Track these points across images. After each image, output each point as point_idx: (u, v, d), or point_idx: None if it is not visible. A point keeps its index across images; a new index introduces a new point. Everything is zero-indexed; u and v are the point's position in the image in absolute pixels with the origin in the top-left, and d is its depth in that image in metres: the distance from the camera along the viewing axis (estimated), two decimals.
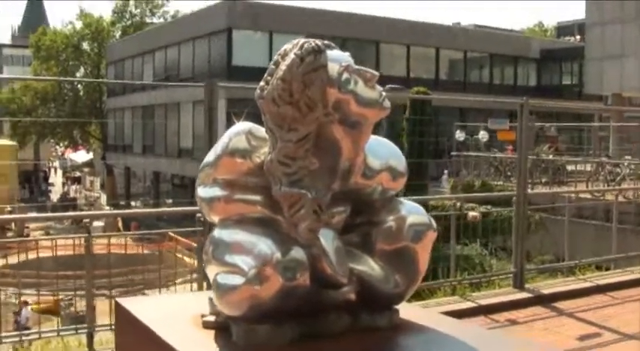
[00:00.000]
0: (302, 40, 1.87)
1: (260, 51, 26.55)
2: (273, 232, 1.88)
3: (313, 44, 1.84)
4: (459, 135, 22.38)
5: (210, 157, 2.07)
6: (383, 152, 2.09)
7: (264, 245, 1.83)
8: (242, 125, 2.06)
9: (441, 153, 21.37)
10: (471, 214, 7.06)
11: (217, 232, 1.99)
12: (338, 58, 1.87)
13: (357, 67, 1.87)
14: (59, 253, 6.59)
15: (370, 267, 2.01)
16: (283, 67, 1.82)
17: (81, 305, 10.89)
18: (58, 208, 33.57)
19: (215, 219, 2.07)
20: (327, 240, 1.92)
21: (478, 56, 35.37)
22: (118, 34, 49.41)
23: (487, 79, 35.68)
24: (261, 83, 1.88)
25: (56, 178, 56.42)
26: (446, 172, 21.56)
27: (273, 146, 1.86)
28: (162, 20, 48.01)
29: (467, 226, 7.24)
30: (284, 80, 1.81)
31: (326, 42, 1.89)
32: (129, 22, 49.69)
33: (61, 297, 12.34)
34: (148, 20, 49.45)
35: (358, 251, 2.03)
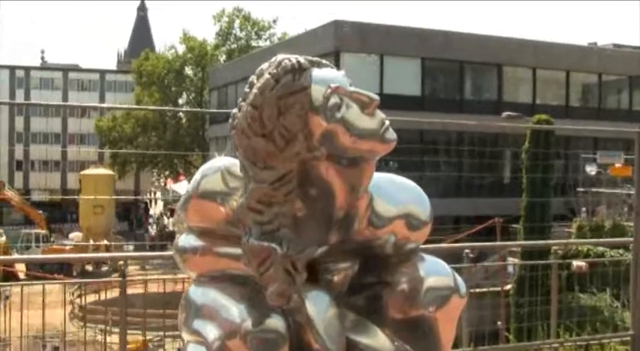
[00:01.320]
0: (281, 57, 1.66)
1: (370, 75, 26.76)
2: (253, 294, 1.67)
3: (293, 61, 1.62)
4: (590, 168, 21.55)
5: (182, 197, 1.90)
6: (398, 194, 1.85)
7: (236, 311, 1.66)
8: (218, 161, 1.87)
9: (569, 189, 20.65)
10: (576, 263, 6.70)
11: (190, 292, 1.82)
12: (325, 79, 1.62)
13: (351, 89, 1.64)
14: (150, 290, 6.82)
15: (377, 340, 1.77)
16: (255, 89, 1.60)
17: (172, 347, 11.22)
18: (156, 242, 34.76)
19: (191, 275, 1.88)
20: (317, 306, 1.69)
21: (615, 79, 34.13)
22: (222, 58, 51.16)
23: (626, 105, 34.31)
24: (234, 111, 1.64)
25: (156, 210, 58.56)
26: (584, 209, 20.78)
27: (246, 187, 1.63)
28: (268, 43, 49.38)
29: (594, 273, 6.92)
30: (255, 106, 1.58)
31: (314, 59, 1.68)
32: (233, 46, 51.42)
33: (149, 337, 12.67)
34: (253, 43, 50.98)
35: (365, 318, 1.80)
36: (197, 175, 1.86)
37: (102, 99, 65.95)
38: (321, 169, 1.62)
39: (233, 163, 1.75)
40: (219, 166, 1.82)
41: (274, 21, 53.49)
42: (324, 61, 1.69)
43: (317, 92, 1.60)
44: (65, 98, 65.08)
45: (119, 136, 49.91)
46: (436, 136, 27.61)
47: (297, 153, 1.58)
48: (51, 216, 49.23)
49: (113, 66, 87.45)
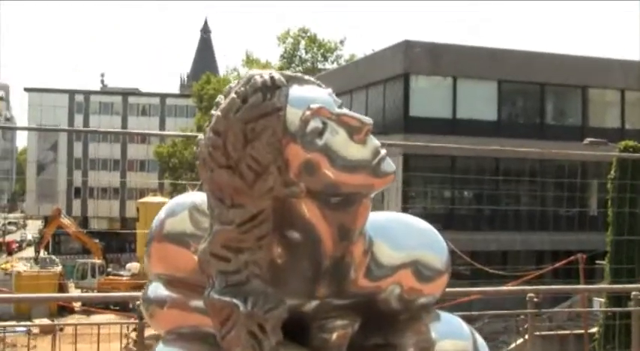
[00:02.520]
0: (252, 72, 1.44)
1: (442, 99, 26.65)
2: None
3: (265, 77, 1.40)
4: None
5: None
6: (406, 238, 1.63)
7: None
8: (187, 196, 1.69)
9: None
10: None
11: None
12: (305, 98, 1.41)
13: (338, 111, 1.42)
14: None
15: None
16: (218, 112, 1.39)
17: None
18: None
19: (159, 331, 1.70)
20: None
21: None
22: None
23: None
24: (199, 136, 1.44)
25: None
26: None
27: (210, 229, 1.43)
28: (335, 65, 49.77)
29: None
30: (217, 132, 1.37)
31: (295, 74, 1.48)
32: (299, 68, 52.03)
33: None
34: (319, 65, 51.48)
35: None
36: (161, 214, 1.66)
37: (162, 124, 67.41)
38: (302, 208, 1.41)
39: (205, 199, 1.49)
40: (188, 203, 1.63)
41: (341, 42, 54.00)
42: (307, 77, 1.48)
43: (293, 115, 1.38)
44: (125, 123, 66.82)
45: (179, 162, 50.87)
46: (514, 165, 27.21)
47: (269, 189, 1.37)
48: (109, 245, 50.37)
49: (176, 90, 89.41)
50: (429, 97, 27.15)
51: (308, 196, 1.39)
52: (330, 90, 1.47)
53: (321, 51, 52.91)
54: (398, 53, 27.45)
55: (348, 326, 1.55)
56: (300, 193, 1.38)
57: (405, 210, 24.80)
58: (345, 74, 34.37)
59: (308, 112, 1.38)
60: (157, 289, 1.65)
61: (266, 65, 52.08)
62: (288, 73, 1.45)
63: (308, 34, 53.10)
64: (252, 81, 1.39)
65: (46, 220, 50.03)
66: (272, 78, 1.40)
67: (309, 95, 1.42)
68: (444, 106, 26.44)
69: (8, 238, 59.30)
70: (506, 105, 28.56)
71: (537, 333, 6.88)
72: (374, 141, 1.43)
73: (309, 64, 52.53)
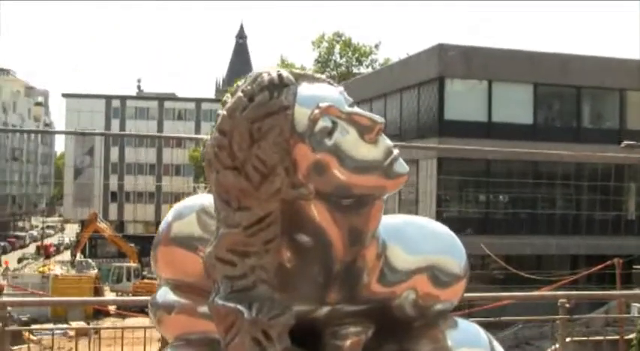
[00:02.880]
0: (259, 71, 1.41)
1: (477, 103, 26.49)
2: None
3: (273, 75, 1.37)
4: None
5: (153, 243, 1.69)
6: (422, 241, 1.58)
7: None
8: (196, 198, 1.66)
9: None
10: None
11: None
12: (314, 96, 1.37)
13: (349, 109, 1.38)
14: None
15: None
16: (224, 111, 1.36)
17: None
18: None
19: (167, 336, 1.67)
20: None
21: None
22: None
23: None
24: (205, 137, 1.44)
25: None
26: None
27: (217, 232, 1.39)
28: (370, 69, 49.73)
29: None
30: (222, 132, 1.34)
31: (305, 72, 1.45)
32: (333, 72, 52.02)
33: None
34: (354, 70, 51.46)
35: None
36: (168, 216, 1.63)
37: (198, 128, 67.94)
38: (311, 210, 1.36)
39: (210, 200, 1.46)
40: (196, 205, 1.60)
41: (376, 46, 53.87)
42: (317, 75, 1.45)
43: (302, 114, 1.34)
44: (160, 128, 67.48)
45: None
46: (550, 168, 26.95)
47: (277, 191, 1.33)
48: (144, 249, 50.76)
49: (211, 94, 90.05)
50: (464, 100, 27.00)
51: (317, 199, 1.35)
52: (341, 88, 1.43)
53: (356, 55, 52.80)
54: (432, 57, 27.37)
55: (361, 333, 1.51)
56: (309, 195, 1.34)
57: (439, 214, 24.70)
58: (380, 78, 34.32)
59: (317, 111, 1.33)
60: (165, 294, 1.62)
61: (301, 70, 52.06)
62: (298, 71, 1.42)
63: (343, 38, 53.05)
64: (260, 79, 1.36)
65: (83, 224, 50.65)
66: (280, 76, 1.36)
67: (319, 93, 1.38)
68: (479, 109, 26.28)
69: (46, 241, 60.13)
70: (542, 108, 28.29)
71: (569, 339, 6.79)
72: (386, 141, 1.38)
73: (343, 68, 52.49)
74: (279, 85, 1.35)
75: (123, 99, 71.24)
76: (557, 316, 6.30)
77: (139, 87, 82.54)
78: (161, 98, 72.44)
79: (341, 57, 52.80)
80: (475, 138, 22.89)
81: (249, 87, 1.35)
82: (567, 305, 5.97)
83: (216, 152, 1.34)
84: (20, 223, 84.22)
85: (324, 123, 1.33)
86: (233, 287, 1.35)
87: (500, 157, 24.10)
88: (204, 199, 1.57)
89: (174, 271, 1.60)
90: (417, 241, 1.57)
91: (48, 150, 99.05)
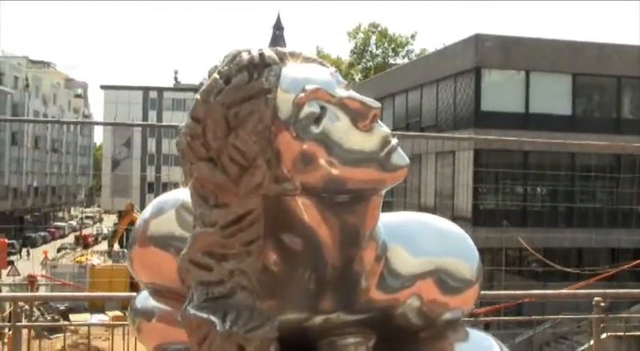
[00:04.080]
0: (238, 50, 1.24)
1: (514, 94, 26.22)
2: None
3: (253, 54, 1.20)
4: None
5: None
6: (429, 242, 1.40)
7: None
8: (175, 193, 1.50)
9: None
10: None
11: None
12: (299, 78, 1.21)
13: (340, 93, 1.22)
14: None
15: None
16: (197, 95, 1.22)
17: None
18: None
19: (147, 346, 1.52)
20: None
21: None
22: (357, 76, 51.77)
23: None
24: (181, 124, 1.26)
25: None
26: None
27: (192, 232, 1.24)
28: (406, 60, 49.55)
29: None
30: (196, 118, 1.19)
31: (292, 51, 1.27)
32: (369, 63, 51.88)
33: None
34: (390, 61, 51.29)
35: None
36: (145, 213, 1.48)
37: None
38: (298, 208, 1.21)
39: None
40: (176, 200, 1.44)
41: (412, 36, 53.65)
42: (307, 54, 1.28)
43: (285, 98, 1.18)
44: None
45: None
46: (590, 160, 26.60)
47: (257, 185, 1.17)
48: None
49: None
50: (501, 91, 26.72)
51: (305, 195, 1.20)
52: (333, 69, 1.27)
53: (392, 46, 52.67)
54: (469, 47, 27.14)
55: (361, 344, 1.36)
56: (295, 191, 1.19)
57: (475, 206, 24.53)
58: (416, 69, 34.17)
59: (302, 95, 1.18)
60: (145, 299, 1.48)
61: (337, 61, 52.12)
62: (283, 49, 1.25)
63: (379, 28, 52.93)
64: (238, 58, 1.20)
65: (120, 215, 51.18)
66: (261, 55, 1.20)
67: (306, 75, 1.21)
68: (516, 100, 26.01)
69: (85, 231, 60.87)
70: (581, 99, 27.91)
71: (604, 335, 6.66)
72: (383, 128, 1.23)
73: (379, 59, 52.39)
74: (259, 65, 1.19)
75: (160, 90, 71.79)
76: (590, 316, 6.17)
77: (175, 78, 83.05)
78: (197, 90, 72.70)
79: (377, 48, 52.74)
80: (512, 129, 22.69)
81: (226, 67, 1.20)
82: (602, 304, 5.84)
83: (189, 142, 1.20)
84: (60, 214, 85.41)
85: (310, 108, 1.18)
86: (208, 294, 1.19)
87: (537, 149, 23.81)
88: (183, 193, 1.37)
89: (152, 275, 1.45)
90: (423, 241, 1.40)
91: (87, 141, 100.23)
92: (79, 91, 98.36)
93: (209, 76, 1.22)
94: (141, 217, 1.48)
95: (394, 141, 1.23)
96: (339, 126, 1.19)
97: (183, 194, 1.40)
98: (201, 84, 1.24)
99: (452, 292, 1.39)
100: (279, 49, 1.24)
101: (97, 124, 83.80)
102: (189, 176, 1.22)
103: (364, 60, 52.73)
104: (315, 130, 1.17)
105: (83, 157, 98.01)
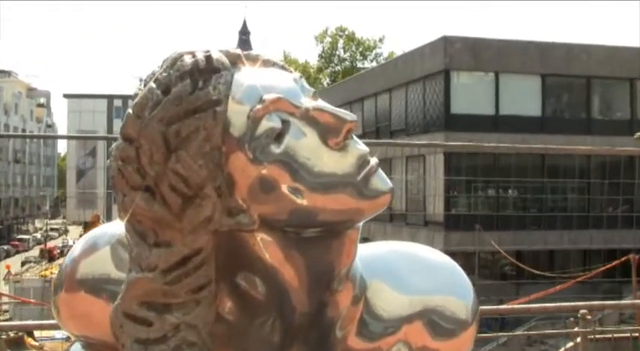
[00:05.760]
0: (179, 52, 1.02)
1: (484, 95, 26.34)
2: None
3: (198, 57, 1.00)
4: None
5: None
6: (416, 278, 1.19)
7: None
8: (109, 227, 1.25)
9: None
10: None
11: None
12: (257, 86, 1.01)
13: (307, 103, 1.02)
14: None
15: None
16: (129, 109, 1.00)
17: None
18: None
19: None
20: None
21: None
22: (325, 81, 51.84)
23: None
24: (112, 146, 1.03)
25: None
26: None
27: (127, 276, 1.04)
28: (374, 64, 49.71)
29: None
30: (128, 138, 0.98)
31: (248, 53, 1.08)
32: (337, 68, 51.96)
33: None
34: (359, 64, 51.43)
35: None
36: (74, 250, 1.23)
37: None
38: (257, 246, 1.01)
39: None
40: (111, 235, 1.20)
41: (380, 40, 53.83)
42: (265, 57, 1.08)
43: (239, 110, 0.98)
44: None
45: None
46: (561, 161, 26.76)
47: (206, 219, 0.98)
48: None
49: None
50: (471, 93, 26.88)
51: (265, 229, 1.01)
52: (297, 74, 1.07)
53: (360, 49, 52.86)
54: (437, 49, 27.25)
55: None
56: (252, 225, 0.99)
57: (447, 209, 24.55)
58: (385, 72, 34.19)
59: (259, 106, 0.98)
60: None
61: (305, 65, 52.13)
62: (235, 51, 1.05)
63: (346, 32, 53.04)
64: (179, 63, 0.99)
65: (86, 226, 50.70)
66: (208, 58, 1.00)
67: (263, 82, 1.01)
68: (486, 102, 26.11)
69: (50, 244, 60.18)
70: (551, 100, 28.11)
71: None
72: (359, 146, 1.02)
73: (347, 63, 52.52)
74: (206, 71, 0.98)
75: (125, 98, 71.19)
76: (578, 329, 6.09)
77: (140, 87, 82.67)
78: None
79: (345, 51, 52.85)
80: (482, 131, 22.77)
81: (164, 74, 0.99)
82: (589, 317, 5.78)
83: (120, 167, 0.99)
84: (24, 226, 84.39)
85: (270, 123, 0.98)
86: None
87: (508, 151, 23.91)
88: (119, 228, 1.12)
89: (83, 327, 1.19)
90: (408, 276, 1.19)
91: (51, 151, 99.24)
92: (42, 100, 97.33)
93: (144, 84, 1.01)
94: (69, 255, 1.23)
95: (373, 161, 1.02)
96: (305, 144, 0.99)
97: (120, 228, 1.13)
98: (136, 95, 1.01)
99: (445, 336, 1.18)
100: (231, 50, 1.04)
101: (61, 138, 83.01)
102: (123, 210, 1.01)
103: (332, 64, 52.89)
104: (275, 149, 0.98)
105: (47, 168, 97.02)
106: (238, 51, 1.05)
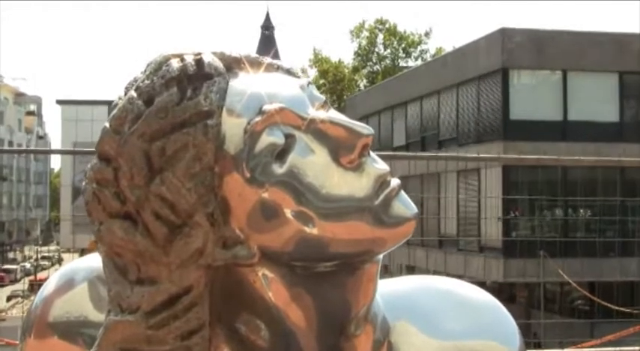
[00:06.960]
0: (164, 55, 1.00)
1: (550, 97, 26.22)
2: None
3: (187, 61, 0.97)
4: None
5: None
6: (448, 318, 1.17)
7: None
8: (86, 260, 1.23)
9: None
10: None
11: None
12: (256, 95, 0.98)
13: (318, 114, 1.00)
14: None
15: None
16: (106, 122, 0.98)
17: None
18: None
19: None
20: None
21: None
22: (362, 82, 51.84)
23: None
24: (88, 165, 1.01)
25: None
26: None
27: (105, 321, 1.00)
28: (419, 62, 49.67)
29: None
30: (105, 157, 0.97)
31: (247, 55, 1.05)
32: (376, 67, 51.99)
33: None
34: (401, 63, 51.43)
35: None
36: (45, 288, 1.21)
37: None
38: (257, 283, 1.00)
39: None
40: (89, 270, 1.18)
41: (426, 34, 53.83)
42: (267, 60, 1.06)
43: (234, 123, 0.96)
44: None
45: None
46: None
47: (197, 252, 0.95)
48: None
49: None
50: (534, 95, 26.71)
51: (267, 264, 0.99)
52: (305, 80, 1.05)
53: (403, 45, 52.85)
54: (494, 44, 27.19)
55: None
56: (251, 258, 0.97)
57: (506, 236, 24.39)
58: (432, 72, 34.17)
59: (258, 119, 0.95)
60: None
61: (338, 65, 52.22)
62: (231, 54, 1.03)
63: (387, 25, 53.13)
64: (165, 68, 0.97)
65: (83, 254, 51.10)
66: (199, 62, 0.97)
67: (264, 89, 0.99)
68: (552, 106, 26.00)
69: (41, 275, 60.72)
70: (630, 102, 27.88)
71: None
72: (377, 165, 1.00)
73: (388, 61, 52.58)
74: (195, 77, 0.96)
75: None
76: None
77: None
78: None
79: (385, 48, 52.89)
80: (548, 141, 22.63)
81: (147, 81, 0.96)
82: None
83: (96, 190, 0.97)
84: (11, 255, 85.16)
85: (271, 137, 0.95)
86: None
87: (578, 164, 23.79)
88: (96, 261, 1.10)
89: None
90: (440, 317, 1.16)
91: (42, 167, 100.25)
92: (32, 107, 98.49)
93: (125, 93, 0.99)
94: (39, 294, 1.21)
95: (394, 182, 0.99)
96: (313, 162, 0.97)
97: (94, 262, 1.14)
98: (114, 105, 0.99)
99: None
100: (227, 53, 1.02)
101: (55, 152, 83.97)
102: (99, 241, 0.98)
103: (370, 63, 52.93)
104: (278, 169, 0.95)
105: (38, 186, 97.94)
106: (237, 53, 1.04)
